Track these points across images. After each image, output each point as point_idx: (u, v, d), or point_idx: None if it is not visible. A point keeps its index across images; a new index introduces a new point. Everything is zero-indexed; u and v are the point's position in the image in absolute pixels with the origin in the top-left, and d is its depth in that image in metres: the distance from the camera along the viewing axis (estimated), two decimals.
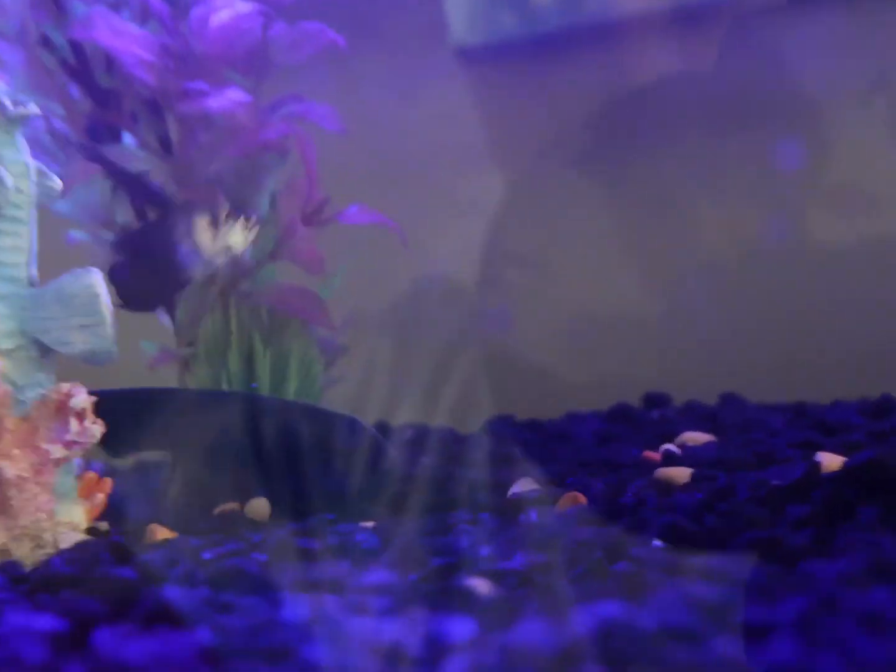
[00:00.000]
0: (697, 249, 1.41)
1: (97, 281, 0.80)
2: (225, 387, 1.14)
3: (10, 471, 0.77)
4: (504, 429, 1.32)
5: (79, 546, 0.72)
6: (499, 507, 0.82)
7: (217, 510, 0.95)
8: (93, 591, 0.56)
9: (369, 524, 0.78)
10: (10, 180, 0.78)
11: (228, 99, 1.07)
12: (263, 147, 1.15)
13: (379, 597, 0.55)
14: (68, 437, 0.78)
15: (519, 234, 1.46)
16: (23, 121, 0.79)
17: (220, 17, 1.08)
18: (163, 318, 1.14)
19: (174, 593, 0.54)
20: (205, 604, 0.54)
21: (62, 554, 0.69)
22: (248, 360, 1.16)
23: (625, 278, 1.42)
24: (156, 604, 0.52)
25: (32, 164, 0.80)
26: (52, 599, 0.57)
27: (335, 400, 1.22)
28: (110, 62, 1.15)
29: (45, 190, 0.81)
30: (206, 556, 0.65)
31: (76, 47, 1.12)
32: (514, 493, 0.87)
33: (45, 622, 0.50)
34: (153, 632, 0.50)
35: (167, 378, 1.18)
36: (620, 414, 1.20)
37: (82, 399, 0.78)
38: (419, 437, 1.27)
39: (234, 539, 0.76)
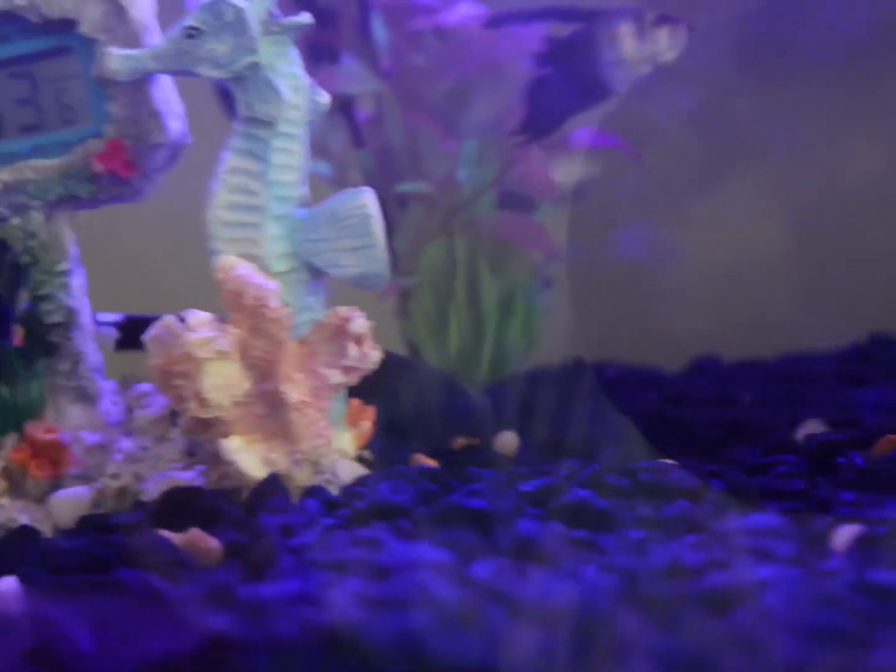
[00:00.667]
0: None
1: (370, 201, 0.73)
2: (452, 317, 1.10)
3: (293, 395, 0.73)
4: (720, 369, 1.24)
5: (383, 473, 0.68)
6: (803, 449, 0.77)
7: (457, 444, 0.92)
8: (439, 522, 0.52)
9: (669, 462, 0.72)
10: (287, 93, 0.74)
11: (461, 14, 1.01)
12: (494, 65, 1.09)
13: (777, 541, 0.49)
14: (346, 362, 0.75)
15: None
16: (295, 31, 0.74)
17: None
18: None
19: (532, 527, 0.50)
20: (571, 540, 0.49)
21: (371, 480, 0.66)
22: (474, 291, 1.12)
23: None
24: (526, 537, 0.47)
25: (305, 77, 0.76)
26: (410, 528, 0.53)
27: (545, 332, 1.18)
28: None
29: (314, 105, 0.77)
30: (525, 488, 0.61)
31: None
32: (809, 435, 0.81)
33: (430, 553, 0.46)
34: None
35: (385, 309, 1.15)
36: (862, 354, 1.12)
37: (361, 323, 0.73)
38: (637, 376, 1.21)
39: (521, 471, 0.71)
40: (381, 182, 1.13)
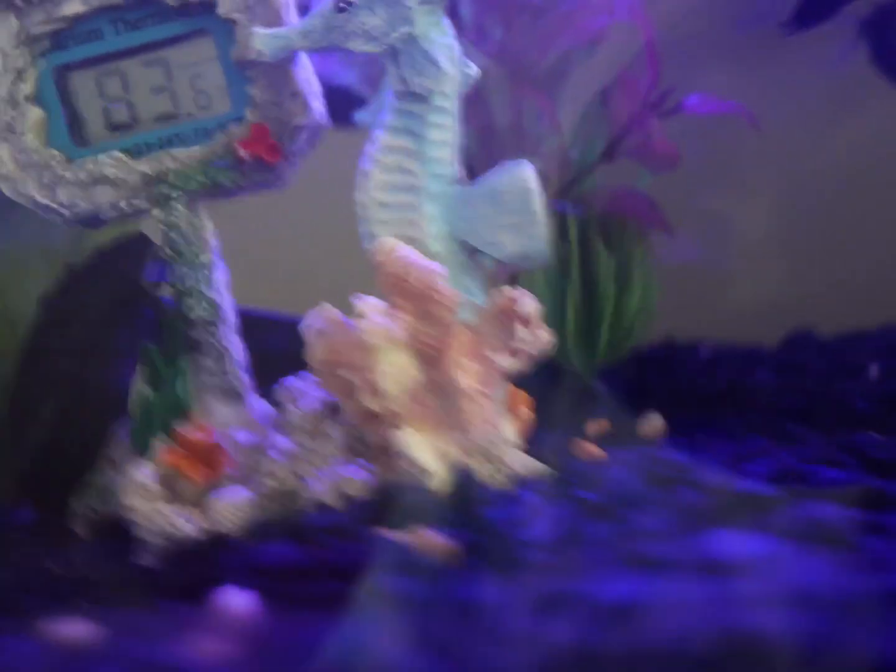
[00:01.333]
0: None
1: (530, 175, 0.69)
2: (568, 298, 1.07)
3: (464, 382, 0.70)
4: (819, 343, 1.20)
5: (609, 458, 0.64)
6: None
7: (590, 429, 0.88)
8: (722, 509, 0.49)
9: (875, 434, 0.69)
10: (446, 64, 0.71)
11: None
12: (597, 36, 1.06)
13: None
14: (515, 344, 0.71)
15: None
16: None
17: None
18: None
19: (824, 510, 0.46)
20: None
21: (576, 468, 0.62)
22: (589, 270, 1.08)
23: None
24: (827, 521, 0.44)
25: (457, 47, 0.72)
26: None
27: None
28: None
29: (464, 78, 0.73)
30: (758, 468, 0.57)
31: None
32: None
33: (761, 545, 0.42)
34: None
35: None
36: None
37: (529, 304, 0.69)
38: (737, 354, 1.17)
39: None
40: (483, 160, 1.09)
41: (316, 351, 0.69)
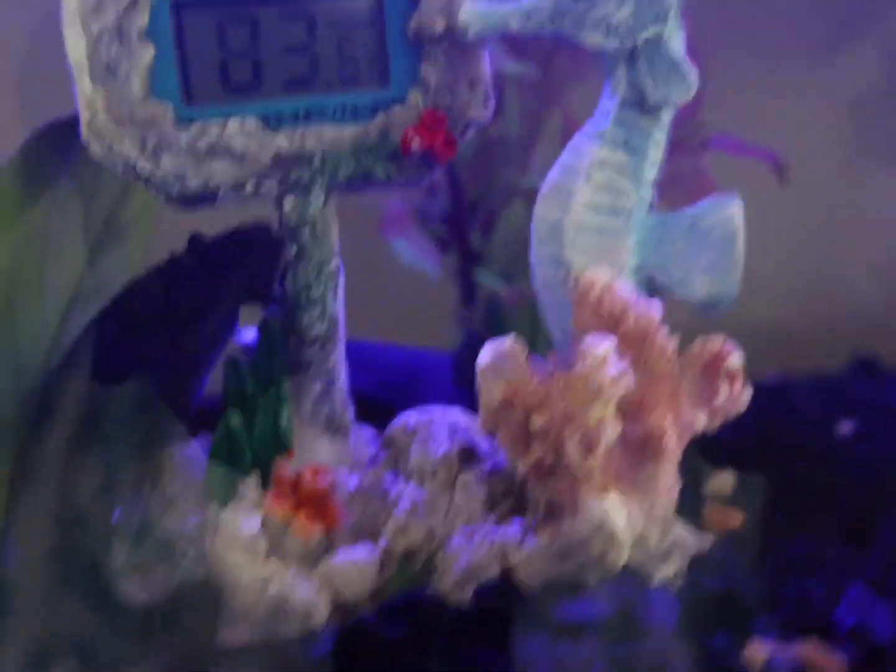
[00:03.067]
0: None
1: (740, 214, 0.60)
2: None
3: (671, 441, 0.60)
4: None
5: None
6: None
7: None
8: None
9: None
10: (692, 74, 0.60)
11: None
12: None
13: None
14: (716, 402, 0.62)
15: None
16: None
17: None
18: None
19: None
20: None
21: None
22: None
23: None
24: None
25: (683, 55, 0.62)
26: None
27: None
28: None
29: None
30: None
31: None
32: None
33: None
34: None
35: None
36: None
37: (737, 359, 0.60)
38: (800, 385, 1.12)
39: None
40: (488, 172, 1.00)
41: (492, 389, 0.57)
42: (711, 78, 0.92)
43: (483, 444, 0.61)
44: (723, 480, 0.78)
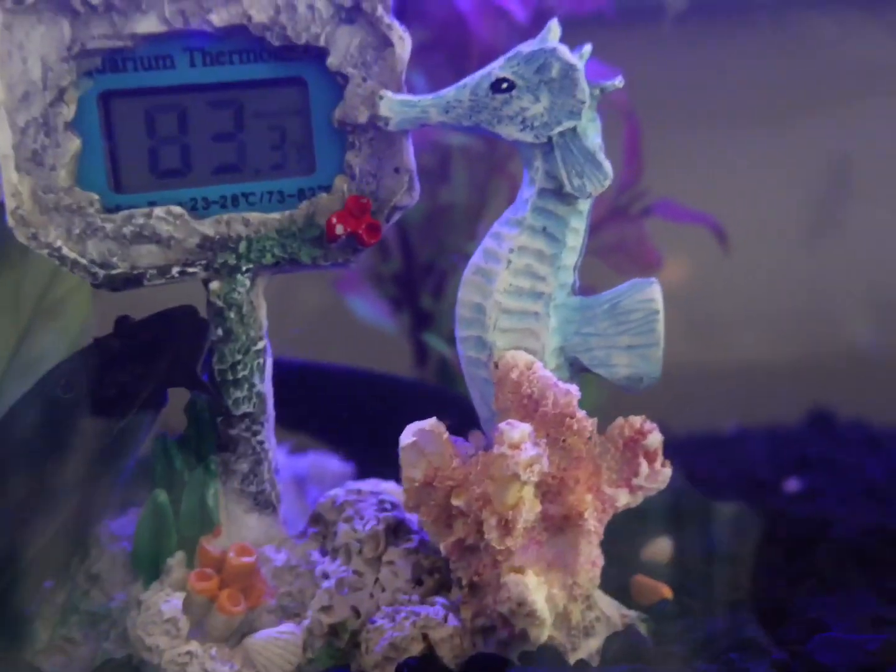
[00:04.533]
0: None
1: (658, 296, 0.60)
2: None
3: (590, 521, 0.59)
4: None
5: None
6: None
7: None
8: None
9: None
10: (609, 167, 0.61)
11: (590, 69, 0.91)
12: None
13: None
14: (636, 481, 0.62)
15: None
16: (603, 95, 0.62)
17: None
18: None
19: None
20: None
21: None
22: None
23: None
24: None
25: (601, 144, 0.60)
26: None
27: None
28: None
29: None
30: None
31: None
32: None
33: None
34: None
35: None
36: None
37: (657, 438, 0.60)
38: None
39: None
40: (438, 237, 1.00)
41: (415, 469, 0.57)
42: (662, 146, 0.94)
43: (412, 519, 0.61)
44: (660, 547, 0.78)
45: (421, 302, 0.98)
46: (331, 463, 0.73)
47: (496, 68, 0.57)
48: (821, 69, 1.18)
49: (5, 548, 0.58)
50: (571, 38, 0.91)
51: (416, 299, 0.98)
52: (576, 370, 0.62)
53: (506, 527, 0.54)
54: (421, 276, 1.00)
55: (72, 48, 0.55)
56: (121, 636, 0.57)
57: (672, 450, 1.00)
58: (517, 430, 0.54)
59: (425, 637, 0.57)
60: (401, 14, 0.85)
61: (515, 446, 0.54)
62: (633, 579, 0.67)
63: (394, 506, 0.61)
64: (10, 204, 0.55)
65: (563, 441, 0.56)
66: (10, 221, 0.55)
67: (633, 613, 0.61)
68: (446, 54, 0.91)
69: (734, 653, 0.55)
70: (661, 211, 0.98)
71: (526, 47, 0.58)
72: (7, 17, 0.54)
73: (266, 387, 0.60)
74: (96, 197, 0.56)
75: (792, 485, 1.00)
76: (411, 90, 0.59)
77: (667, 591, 0.66)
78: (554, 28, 0.58)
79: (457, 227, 1.00)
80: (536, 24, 0.92)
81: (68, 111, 0.55)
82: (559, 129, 0.57)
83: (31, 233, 0.55)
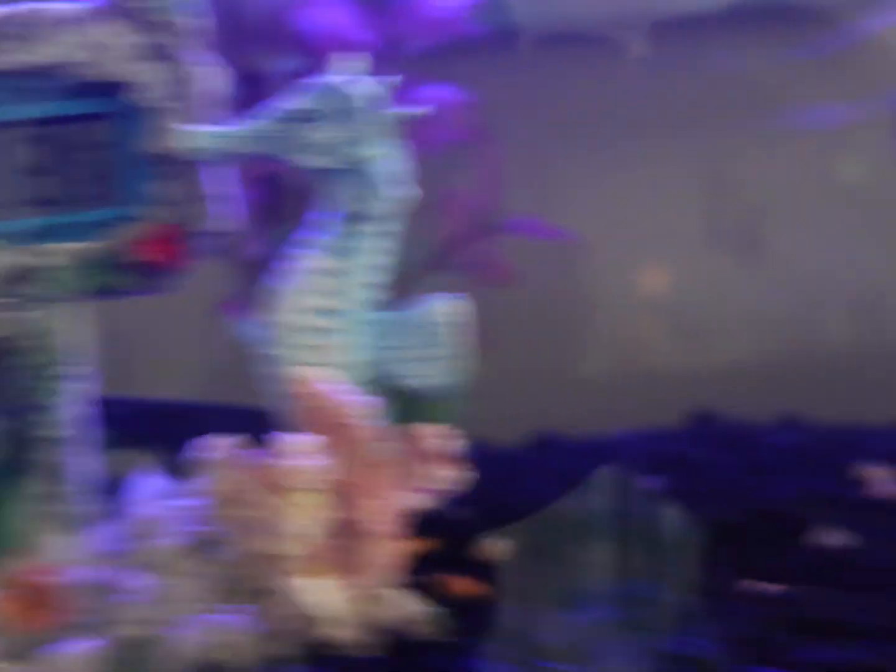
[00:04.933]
0: None
1: (442, 310, 0.65)
2: None
3: (374, 525, 0.62)
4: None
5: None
6: None
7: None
8: None
9: None
10: (392, 189, 0.62)
11: (443, 95, 0.95)
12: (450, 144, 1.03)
13: None
14: (425, 483, 0.64)
15: None
16: (404, 121, 0.64)
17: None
18: None
19: None
20: None
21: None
22: None
23: None
24: None
25: (404, 171, 0.64)
26: None
27: None
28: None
29: (405, 201, 0.65)
30: None
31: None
32: None
33: None
34: None
35: None
36: None
37: (439, 442, 0.63)
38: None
39: None
40: None
41: (213, 482, 0.61)
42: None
43: (215, 531, 0.65)
44: (495, 546, 0.82)
45: None
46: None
47: (295, 100, 0.61)
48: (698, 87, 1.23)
49: None
50: (437, 64, 0.96)
51: None
52: (379, 384, 0.66)
53: (281, 535, 0.58)
54: None
55: None
56: None
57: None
58: (288, 442, 0.58)
59: (221, 643, 0.60)
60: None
61: (284, 456, 0.58)
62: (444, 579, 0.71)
63: (198, 520, 0.64)
64: None
65: (348, 449, 0.61)
66: None
67: (430, 610, 0.65)
68: None
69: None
70: (515, 227, 1.03)
71: (327, 80, 0.62)
72: None
73: (69, 411, 0.63)
74: None
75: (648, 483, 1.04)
76: None
77: (476, 589, 0.70)
78: (362, 62, 0.62)
79: None
80: (390, 51, 0.97)
81: None
82: (349, 154, 0.61)
83: None
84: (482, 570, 0.74)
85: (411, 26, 0.93)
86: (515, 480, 0.99)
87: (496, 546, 0.82)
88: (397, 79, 0.64)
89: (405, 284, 0.96)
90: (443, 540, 0.79)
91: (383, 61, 0.92)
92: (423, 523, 0.78)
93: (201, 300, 0.88)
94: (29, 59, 0.60)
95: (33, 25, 0.60)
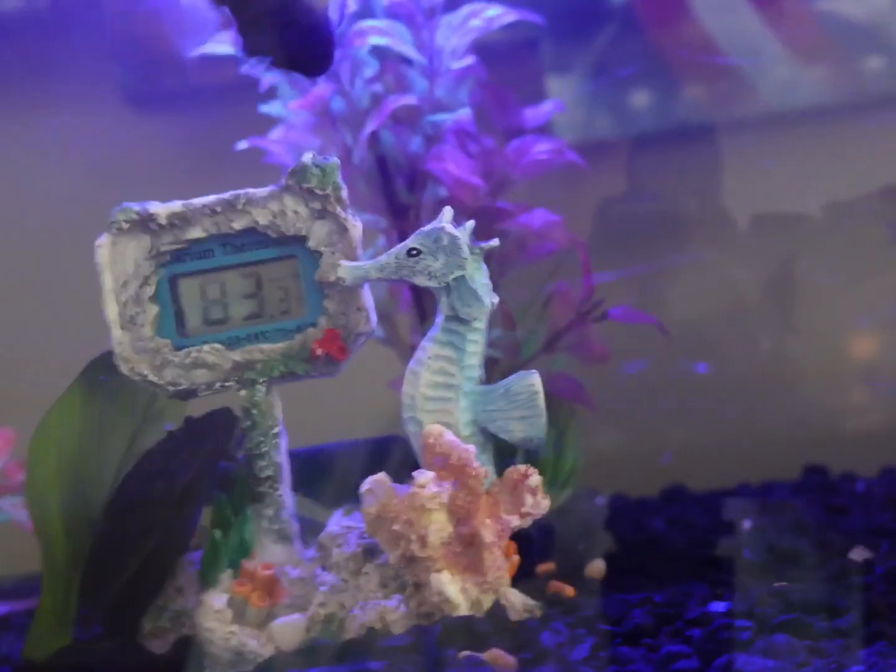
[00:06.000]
0: None
1: (538, 381, 0.86)
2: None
3: (488, 537, 0.86)
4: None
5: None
6: None
7: (541, 569, 1.05)
8: None
9: None
10: (485, 298, 0.87)
11: (541, 218, 1.19)
12: (547, 253, 1.26)
13: None
14: (524, 509, 0.87)
15: None
16: (488, 252, 0.88)
17: (537, 150, 1.20)
18: None
19: None
20: None
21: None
22: None
23: None
24: None
25: (489, 284, 0.88)
26: None
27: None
28: (412, 179, 1.25)
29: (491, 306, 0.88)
30: None
31: (382, 166, 1.23)
32: None
33: None
34: None
35: None
36: None
37: (536, 478, 0.85)
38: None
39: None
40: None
41: (370, 507, 0.85)
42: None
43: (376, 542, 0.88)
44: (596, 567, 1.02)
45: None
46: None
47: (409, 241, 0.85)
48: None
49: (131, 571, 0.88)
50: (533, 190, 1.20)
51: None
52: (486, 437, 0.88)
53: (423, 541, 0.81)
54: None
55: (151, 251, 0.87)
56: (193, 625, 0.86)
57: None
58: (423, 476, 0.82)
59: (384, 619, 0.83)
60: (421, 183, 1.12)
61: (422, 486, 0.81)
62: (549, 583, 0.92)
63: (366, 534, 0.88)
64: (116, 349, 0.87)
65: (466, 483, 0.83)
66: (116, 360, 0.87)
67: (535, 603, 0.86)
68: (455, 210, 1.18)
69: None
70: (615, 315, 1.24)
71: (427, 227, 0.86)
72: (113, 237, 0.87)
73: (282, 457, 0.89)
74: (169, 342, 0.87)
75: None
76: None
77: (569, 591, 0.90)
78: (447, 212, 0.86)
79: None
80: (500, 189, 1.21)
81: (151, 289, 0.87)
82: (452, 277, 0.85)
83: (130, 367, 0.87)
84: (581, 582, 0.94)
85: (517, 167, 1.16)
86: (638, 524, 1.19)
87: (597, 567, 1.01)
88: (471, 224, 0.87)
89: (526, 364, 1.19)
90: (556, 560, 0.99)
91: (492, 196, 1.18)
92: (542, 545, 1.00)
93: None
94: (242, 223, 0.88)
95: (243, 202, 0.88)
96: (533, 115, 1.21)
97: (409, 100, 1.13)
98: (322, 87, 1.09)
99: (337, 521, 0.93)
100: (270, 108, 1.15)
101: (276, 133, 1.17)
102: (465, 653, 0.73)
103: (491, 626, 0.77)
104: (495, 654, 0.72)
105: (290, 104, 1.10)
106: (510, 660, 0.72)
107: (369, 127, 1.11)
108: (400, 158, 1.20)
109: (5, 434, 1.16)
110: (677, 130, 1.40)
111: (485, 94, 1.21)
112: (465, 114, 1.15)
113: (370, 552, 0.88)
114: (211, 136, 1.36)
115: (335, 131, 1.16)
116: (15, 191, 1.41)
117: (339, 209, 0.87)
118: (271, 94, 1.16)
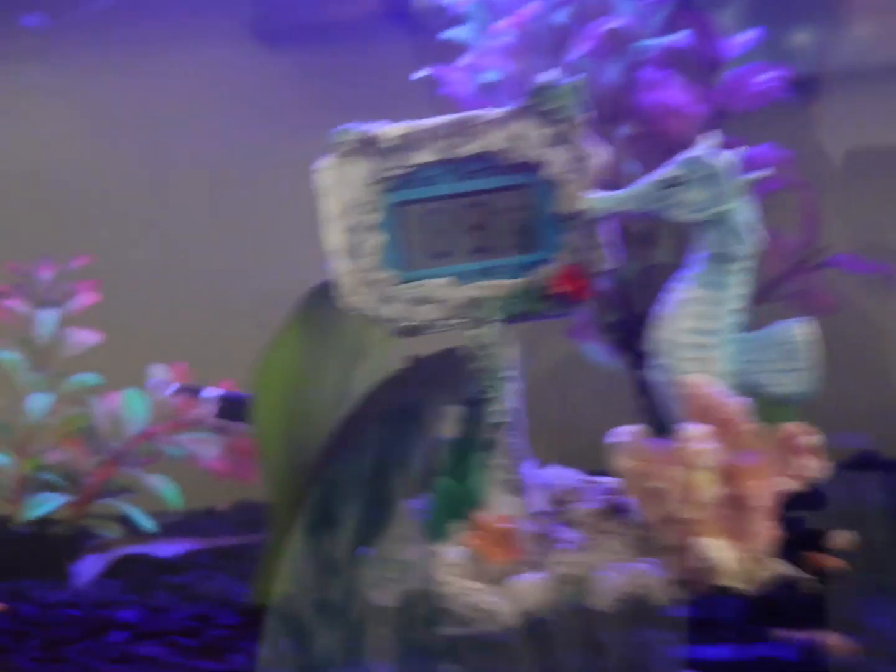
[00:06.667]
0: None
1: (801, 330, 0.76)
2: None
3: (758, 500, 0.72)
4: None
5: None
6: None
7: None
8: None
9: None
10: (752, 235, 0.75)
11: (768, 154, 1.07)
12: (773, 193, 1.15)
13: None
14: (794, 471, 0.75)
15: None
16: (756, 184, 0.77)
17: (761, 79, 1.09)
18: None
19: None
20: None
21: None
22: None
23: None
24: None
25: (757, 221, 0.77)
26: None
27: None
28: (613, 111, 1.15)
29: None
30: None
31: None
32: None
33: None
34: None
35: None
36: None
37: (810, 438, 0.75)
38: None
39: None
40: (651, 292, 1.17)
41: (625, 460, 0.76)
42: None
43: (626, 502, 0.78)
44: (842, 538, 0.91)
45: (640, 344, 1.15)
46: (566, 473, 0.92)
47: (670, 169, 0.75)
48: None
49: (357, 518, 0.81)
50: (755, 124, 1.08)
51: (635, 342, 1.15)
52: (745, 390, 0.78)
53: (688, 501, 0.71)
54: (637, 323, 1.17)
55: (374, 176, 0.78)
56: (420, 576, 0.78)
57: None
58: (692, 430, 0.71)
59: (641, 585, 0.74)
60: (617, 115, 1.02)
61: (689, 440, 0.71)
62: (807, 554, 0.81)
63: (612, 491, 0.79)
64: (339, 281, 0.79)
65: (734, 441, 0.73)
66: (337, 292, 0.79)
67: (804, 575, 0.75)
68: (650, 145, 1.08)
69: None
70: (836, 263, 1.12)
71: (692, 153, 0.75)
72: (336, 160, 0.78)
73: (514, 404, 0.80)
74: (394, 273, 0.79)
75: None
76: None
77: (833, 563, 0.79)
78: (712, 137, 0.75)
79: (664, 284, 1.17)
80: (718, 118, 1.09)
81: (376, 217, 0.79)
82: (714, 211, 0.74)
83: (351, 299, 0.79)
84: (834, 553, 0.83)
85: (736, 99, 1.05)
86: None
87: (843, 537, 0.90)
88: (744, 149, 0.76)
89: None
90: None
91: (712, 128, 1.06)
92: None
93: None
94: (471, 148, 0.79)
95: (473, 125, 0.79)
96: (734, 44, 1.09)
97: (617, 22, 1.02)
98: (534, 4, 0.99)
99: (557, 475, 0.84)
100: (457, 32, 1.05)
101: (464, 59, 1.06)
102: (785, 632, 0.63)
103: (792, 602, 0.67)
104: (833, 638, 0.62)
105: (496, 24, 1.00)
106: (848, 645, 0.62)
107: (577, 51, 1.00)
108: (595, 87, 1.08)
109: (180, 368, 1.10)
110: None
111: (687, 21, 1.09)
112: (681, 37, 1.03)
113: (613, 509, 0.78)
114: (340, 70, 1.28)
115: (537, 56, 1.05)
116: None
117: (579, 135, 0.77)
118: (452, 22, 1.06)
